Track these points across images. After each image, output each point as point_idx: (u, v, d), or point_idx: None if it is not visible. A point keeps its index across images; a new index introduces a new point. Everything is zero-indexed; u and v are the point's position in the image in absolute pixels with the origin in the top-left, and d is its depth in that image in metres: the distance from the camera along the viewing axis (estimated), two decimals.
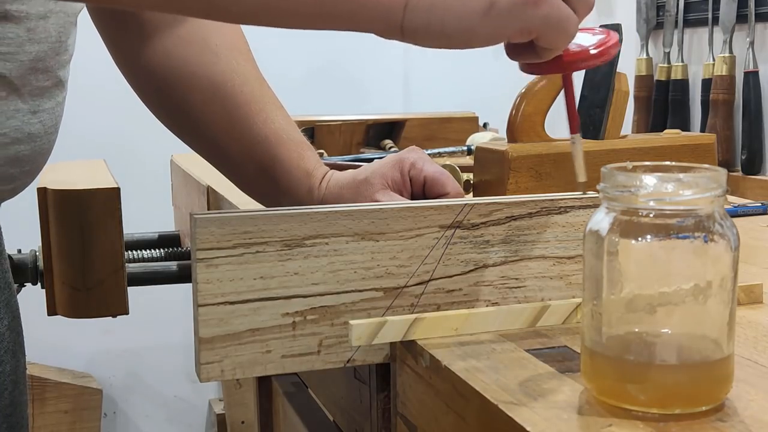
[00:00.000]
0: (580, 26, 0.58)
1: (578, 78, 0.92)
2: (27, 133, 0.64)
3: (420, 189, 0.74)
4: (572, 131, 0.62)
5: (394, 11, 0.53)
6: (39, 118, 0.65)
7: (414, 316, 0.58)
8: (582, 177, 0.61)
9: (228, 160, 0.79)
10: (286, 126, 0.78)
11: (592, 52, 0.61)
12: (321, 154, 1.37)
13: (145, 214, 1.71)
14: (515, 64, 0.61)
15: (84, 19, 0.80)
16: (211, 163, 0.82)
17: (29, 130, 0.64)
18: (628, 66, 1.52)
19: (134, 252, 1.14)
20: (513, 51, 0.59)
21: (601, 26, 0.92)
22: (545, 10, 0.54)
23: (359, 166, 1.24)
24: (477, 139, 1.38)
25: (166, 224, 1.51)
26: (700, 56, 1.47)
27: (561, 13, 0.55)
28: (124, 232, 0.97)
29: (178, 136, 0.84)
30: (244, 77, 0.78)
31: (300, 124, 1.42)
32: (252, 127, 0.76)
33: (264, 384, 1.27)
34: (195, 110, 0.79)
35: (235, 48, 0.80)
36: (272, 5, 0.52)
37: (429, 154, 1.36)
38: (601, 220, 0.45)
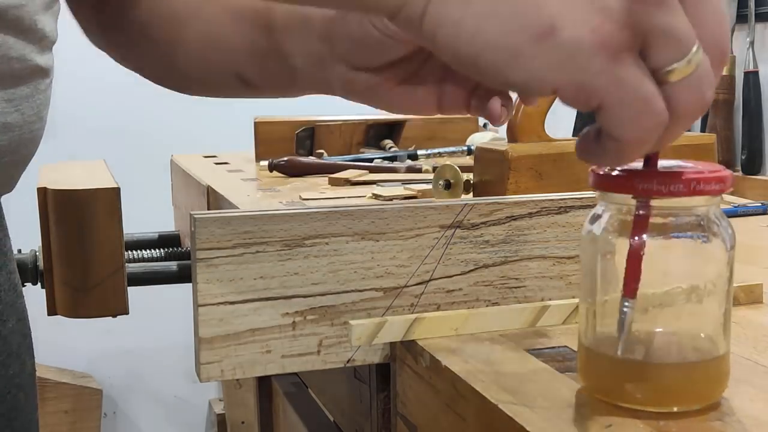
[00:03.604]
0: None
1: None
2: (2, 123, 0.63)
3: None
4: (626, 293, 0.43)
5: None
6: (16, 107, 0.64)
7: (414, 316, 0.58)
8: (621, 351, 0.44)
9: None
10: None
11: (686, 178, 0.41)
12: (321, 154, 1.37)
13: (145, 214, 1.70)
14: None
15: None
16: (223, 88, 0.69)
17: (4, 119, 0.62)
18: None
19: (134, 252, 1.14)
20: (583, 141, 0.42)
21: None
22: (625, 71, 0.37)
23: (359, 166, 1.24)
24: (477, 139, 1.38)
25: (166, 224, 1.51)
26: None
27: (643, 86, 0.38)
28: (124, 232, 0.97)
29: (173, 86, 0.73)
30: None
31: (300, 124, 1.42)
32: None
33: (264, 384, 1.27)
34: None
35: None
36: None
37: (429, 154, 1.36)
38: (598, 219, 0.45)
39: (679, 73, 0.37)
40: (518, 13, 0.37)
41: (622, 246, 0.44)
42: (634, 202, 0.43)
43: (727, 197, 1.07)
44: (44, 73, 0.67)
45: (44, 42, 0.66)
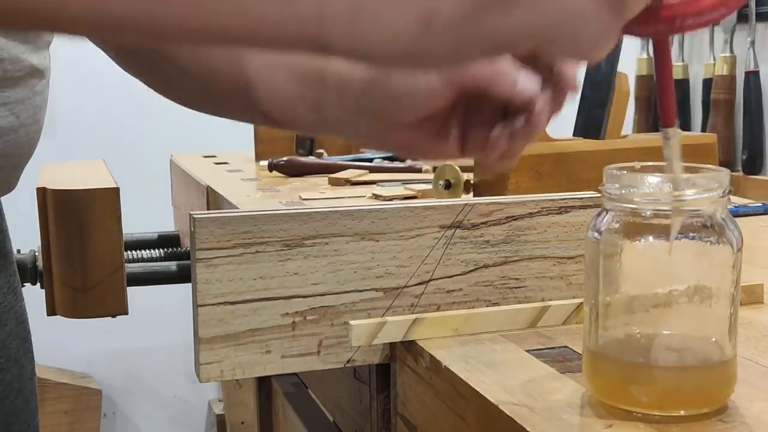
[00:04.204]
0: None
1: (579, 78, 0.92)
2: None
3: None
4: (663, 122, 0.42)
5: (306, 25, 0.34)
6: (11, 110, 0.62)
7: (414, 316, 0.58)
8: (678, 171, 0.43)
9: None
10: None
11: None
12: (320, 154, 1.36)
13: (145, 214, 1.70)
14: None
15: None
16: None
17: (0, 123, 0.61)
18: (629, 66, 1.52)
19: (134, 252, 1.14)
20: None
21: None
22: (521, 12, 0.34)
23: (359, 166, 1.24)
24: None
25: (166, 224, 1.51)
26: (700, 56, 1.47)
27: (560, 4, 0.35)
28: (124, 232, 0.97)
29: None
30: None
31: None
32: None
33: (264, 384, 1.26)
34: None
35: None
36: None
37: None
38: (603, 220, 0.45)
39: None
40: (393, 9, 0.34)
41: (627, 247, 0.44)
42: (639, 203, 0.43)
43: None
44: (40, 73, 0.65)
45: (39, 41, 0.65)
